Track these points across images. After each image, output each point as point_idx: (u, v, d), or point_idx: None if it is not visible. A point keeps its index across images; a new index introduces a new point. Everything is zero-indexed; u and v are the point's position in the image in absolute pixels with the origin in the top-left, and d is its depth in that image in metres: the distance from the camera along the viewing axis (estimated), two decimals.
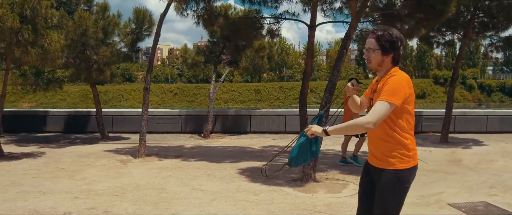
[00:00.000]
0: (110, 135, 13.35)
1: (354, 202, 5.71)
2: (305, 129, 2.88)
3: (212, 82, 14.07)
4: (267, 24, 9.86)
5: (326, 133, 2.73)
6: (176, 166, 8.31)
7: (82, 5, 11.71)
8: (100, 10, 11.33)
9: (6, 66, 9.40)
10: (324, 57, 75.78)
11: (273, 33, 10.04)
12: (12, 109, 18.82)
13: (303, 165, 3.12)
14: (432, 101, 50.05)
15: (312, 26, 9.51)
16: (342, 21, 10.00)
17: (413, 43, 63.61)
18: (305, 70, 10.19)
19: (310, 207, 5.51)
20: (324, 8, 9.11)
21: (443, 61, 68.10)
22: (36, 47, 8.39)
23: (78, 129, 14.38)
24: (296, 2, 9.61)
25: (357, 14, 7.77)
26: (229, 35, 10.17)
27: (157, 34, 9.44)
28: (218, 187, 6.53)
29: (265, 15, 9.99)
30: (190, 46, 27.26)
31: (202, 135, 13.57)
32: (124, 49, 12.11)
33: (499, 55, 68.35)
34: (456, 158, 9.32)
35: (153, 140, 12.29)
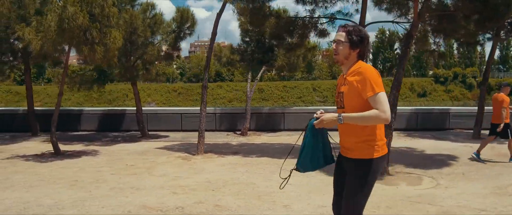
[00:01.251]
0: (117, 134, 13.56)
1: (441, 192, 5.98)
2: (315, 121, 2.92)
3: (248, 81, 14.26)
4: (320, 24, 10.10)
5: (340, 120, 2.80)
6: (244, 162, 8.48)
7: (126, 4, 11.78)
8: (146, 9, 11.43)
9: (65, 65, 9.49)
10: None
11: (324, 33, 10.27)
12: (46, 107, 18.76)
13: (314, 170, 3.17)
14: (432, 99, 50.68)
15: (362, 26, 9.74)
16: (392, 21, 10.30)
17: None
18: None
19: (405, 198, 5.73)
20: (383, 8, 9.33)
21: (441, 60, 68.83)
22: (100, 45, 8.51)
23: (112, 127, 14.47)
24: (352, 2, 9.87)
25: (419, 14, 8.01)
26: (280, 34, 10.32)
27: (214, 33, 9.59)
28: (302, 180, 6.71)
29: (314, 15, 10.21)
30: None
31: (240, 132, 13.73)
32: (166, 48, 12.22)
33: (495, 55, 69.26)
34: (501, 152, 9.58)
35: (194, 138, 12.42)
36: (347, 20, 10.22)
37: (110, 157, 9.28)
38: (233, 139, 12.75)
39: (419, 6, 7.93)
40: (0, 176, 7.19)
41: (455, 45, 57.34)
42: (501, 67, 69.66)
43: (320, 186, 6.34)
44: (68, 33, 7.90)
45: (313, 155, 3.05)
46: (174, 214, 5.07)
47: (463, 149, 10.29)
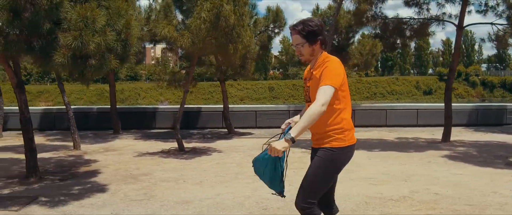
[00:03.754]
0: (196, 132, 13.78)
1: None
2: (267, 151, 2.74)
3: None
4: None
5: (293, 140, 2.64)
6: (390, 156, 8.76)
7: None
8: (242, 5, 11.57)
9: (191, 63, 9.64)
10: None
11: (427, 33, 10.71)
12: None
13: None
14: (438, 97, 51.69)
15: (460, 27, 10.27)
16: (492, 23, 10.81)
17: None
18: (451, 67, 10.88)
19: None
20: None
21: (441, 59, 70.31)
22: (240, 44, 8.71)
23: (189, 124, 14.59)
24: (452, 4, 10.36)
25: None
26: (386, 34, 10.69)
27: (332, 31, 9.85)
28: (466, 170, 7.09)
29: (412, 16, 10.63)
30: None
31: None
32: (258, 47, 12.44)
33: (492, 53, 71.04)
34: None
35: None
36: (447, 21, 10.67)
37: (236, 152, 9.47)
38: None
39: None
40: (175, 172, 7.32)
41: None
42: (499, 66, 71.45)
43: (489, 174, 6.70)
44: (220, 31, 8.09)
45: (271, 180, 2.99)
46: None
47: None
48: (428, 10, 10.62)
